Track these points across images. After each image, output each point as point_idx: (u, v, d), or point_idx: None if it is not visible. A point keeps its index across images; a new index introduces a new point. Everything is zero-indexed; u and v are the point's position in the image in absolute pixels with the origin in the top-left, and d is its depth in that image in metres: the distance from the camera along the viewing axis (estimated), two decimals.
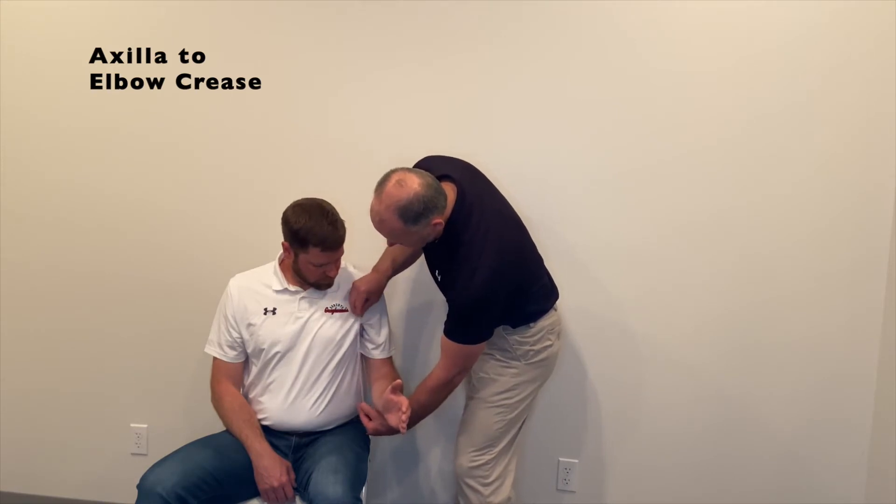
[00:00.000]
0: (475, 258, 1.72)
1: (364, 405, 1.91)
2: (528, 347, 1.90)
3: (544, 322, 1.92)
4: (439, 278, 1.88)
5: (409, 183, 1.68)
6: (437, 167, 1.85)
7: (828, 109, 2.06)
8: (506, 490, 1.95)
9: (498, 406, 1.92)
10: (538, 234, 2.03)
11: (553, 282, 2.01)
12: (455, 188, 1.79)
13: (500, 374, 1.92)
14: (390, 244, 1.93)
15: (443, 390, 1.88)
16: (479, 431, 1.93)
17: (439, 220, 1.73)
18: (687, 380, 2.24)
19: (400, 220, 1.68)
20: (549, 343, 1.94)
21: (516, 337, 1.90)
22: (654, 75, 2.13)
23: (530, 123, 2.20)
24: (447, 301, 1.83)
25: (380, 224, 1.73)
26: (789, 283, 2.15)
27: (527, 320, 1.89)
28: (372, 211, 1.73)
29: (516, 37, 2.17)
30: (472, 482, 1.93)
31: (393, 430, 1.84)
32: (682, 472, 2.28)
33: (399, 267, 2.07)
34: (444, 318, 1.80)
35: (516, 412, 1.94)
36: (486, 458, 1.93)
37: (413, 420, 1.93)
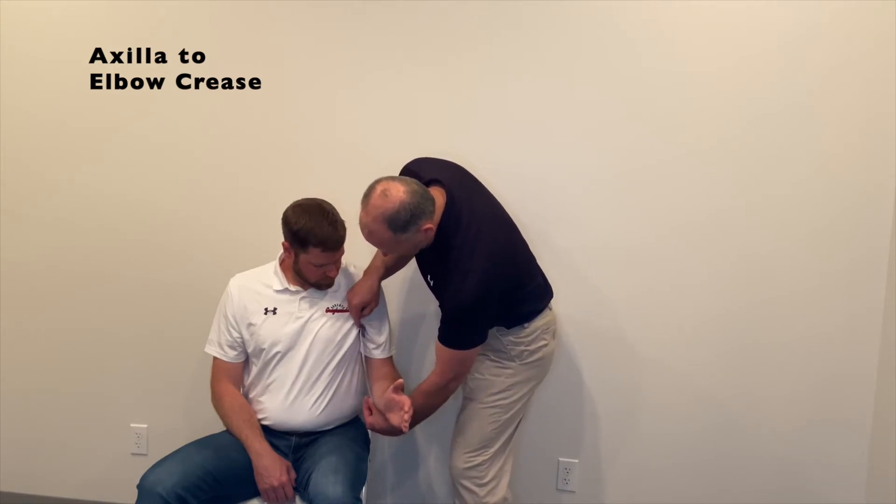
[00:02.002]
0: (466, 261, 1.72)
1: (370, 400, 1.90)
2: (523, 348, 1.90)
3: (539, 322, 1.92)
4: (431, 283, 1.88)
5: (393, 192, 1.67)
6: (425, 171, 1.84)
7: (828, 109, 2.06)
8: (501, 490, 1.95)
9: (493, 407, 1.92)
10: (537, 235, 2.03)
11: (547, 281, 2.01)
12: (444, 192, 1.78)
13: (495, 375, 1.92)
14: (385, 254, 1.92)
15: (438, 395, 1.88)
16: (473, 432, 1.93)
17: (430, 226, 1.72)
18: (686, 380, 2.24)
19: (389, 229, 1.68)
20: (544, 343, 1.94)
21: (511, 338, 1.89)
22: (653, 75, 2.13)
23: (530, 124, 2.20)
24: (440, 306, 1.82)
25: (369, 236, 1.72)
26: (788, 283, 2.15)
27: (521, 321, 1.89)
28: (360, 223, 1.72)
29: (516, 37, 2.17)
30: (467, 483, 1.93)
31: (394, 430, 1.84)
32: (682, 472, 2.28)
33: (392, 267, 2.05)
34: (439, 315, 1.79)
35: (511, 413, 1.94)
36: (481, 458, 1.92)
37: (411, 424, 1.93)
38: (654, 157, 2.15)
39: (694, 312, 2.20)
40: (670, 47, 2.11)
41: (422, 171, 1.85)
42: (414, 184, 1.71)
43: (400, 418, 1.78)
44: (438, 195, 1.77)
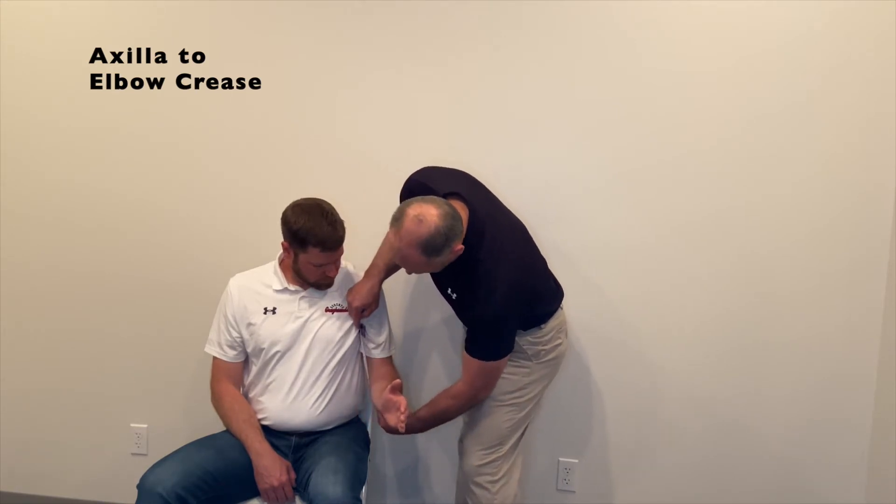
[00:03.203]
0: (492, 274, 1.72)
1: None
2: (539, 347, 1.91)
3: (554, 322, 1.93)
4: (454, 296, 1.87)
5: (428, 217, 1.64)
6: (439, 183, 1.82)
7: (828, 109, 2.06)
8: (512, 487, 1.95)
9: (508, 405, 1.92)
10: (538, 235, 2.03)
11: (557, 282, 2.01)
12: (466, 207, 1.77)
13: (511, 374, 1.91)
14: (408, 273, 1.89)
15: (465, 403, 1.89)
16: (488, 431, 1.93)
17: (460, 246, 1.71)
18: (687, 380, 2.24)
19: (423, 255, 1.67)
20: (559, 342, 1.96)
21: (528, 338, 1.89)
22: (653, 75, 2.12)
23: (530, 124, 2.20)
24: (465, 319, 1.82)
25: (402, 260, 1.71)
26: (789, 283, 2.14)
27: (537, 322, 1.89)
28: (392, 247, 1.70)
29: (516, 38, 2.17)
30: (480, 480, 1.93)
31: (392, 430, 1.85)
32: (682, 471, 2.28)
33: (393, 267, 2.04)
34: (442, 318, 1.78)
35: (526, 411, 1.94)
36: (494, 456, 1.92)
37: (429, 425, 1.95)
38: (654, 158, 2.15)
39: (694, 312, 2.20)
40: (670, 47, 2.11)
41: (433, 182, 1.83)
42: (445, 205, 1.68)
43: (396, 419, 1.80)
44: (460, 209, 1.75)
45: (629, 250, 2.20)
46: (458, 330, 2.26)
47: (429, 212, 1.65)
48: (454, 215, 1.68)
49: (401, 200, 1.91)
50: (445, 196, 1.77)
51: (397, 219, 1.68)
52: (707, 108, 2.11)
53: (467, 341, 1.82)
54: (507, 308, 1.74)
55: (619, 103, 2.15)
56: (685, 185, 2.15)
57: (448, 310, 1.94)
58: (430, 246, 1.65)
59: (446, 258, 1.72)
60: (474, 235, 1.75)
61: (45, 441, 2.55)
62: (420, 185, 1.86)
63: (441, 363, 2.36)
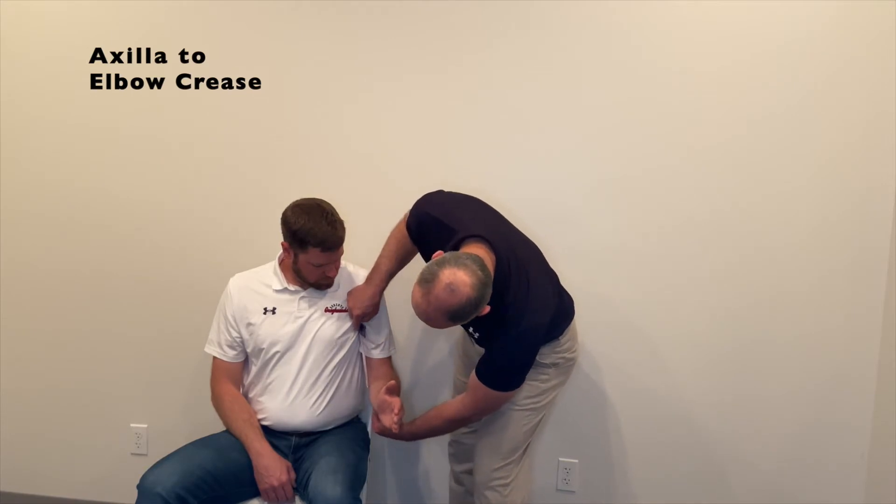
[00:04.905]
0: (519, 316, 1.69)
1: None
2: (558, 357, 1.90)
3: (569, 333, 1.92)
4: (476, 335, 1.85)
5: (460, 288, 1.53)
6: (460, 222, 1.76)
7: (828, 109, 2.06)
8: (522, 490, 1.94)
9: (527, 410, 1.90)
10: (541, 239, 2.02)
11: (569, 295, 1.98)
12: (488, 250, 1.70)
13: (531, 380, 1.87)
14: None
15: (457, 424, 1.89)
16: (506, 437, 1.90)
17: (487, 308, 1.64)
18: (686, 380, 2.23)
19: (450, 321, 1.61)
20: (574, 348, 1.95)
21: (547, 351, 1.87)
22: (653, 77, 2.12)
23: (531, 128, 2.20)
24: (486, 349, 1.79)
25: (426, 321, 1.64)
26: (789, 282, 2.14)
27: (556, 336, 1.88)
28: (417, 307, 1.61)
29: (518, 42, 2.17)
30: (493, 484, 1.91)
31: (385, 432, 1.86)
32: (682, 472, 2.28)
33: (395, 273, 2.02)
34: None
35: (542, 415, 1.94)
36: (509, 460, 1.91)
37: (418, 437, 1.94)
38: (655, 159, 2.15)
39: (694, 313, 2.20)
40: (670, 49, 2.11)
41: (449, 219, 1.77)
42: (478, 270, 1.56)
43: (391, 420, 1.80)
44: (486, 256, 1.67)
45: (629, 251, 2.20)
46: (459, 335, 2.26)
47: (462, 280, 1.54)
48: (486, 281, 1.58)
49: (408, 225, 1.89)
50: (466, 239, 1.71)
51: (428, 281, 1.56)
52: (707, 109, 2.11)
53: (483, 370, 1.76)
54: (529, 351, 1.73)
55: (619, 106, 2.15)
56: (686, 186, 2.15)
57: None
58: (458, 314, 1.59)
59: (470, 319, 1.66)
60: (500, 283, 1.68)
61: (45, 441, 2.55)
62: (435, 221, 1.79)
63: (441, 366, 2.36)
